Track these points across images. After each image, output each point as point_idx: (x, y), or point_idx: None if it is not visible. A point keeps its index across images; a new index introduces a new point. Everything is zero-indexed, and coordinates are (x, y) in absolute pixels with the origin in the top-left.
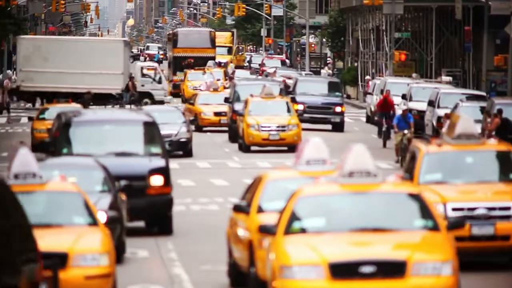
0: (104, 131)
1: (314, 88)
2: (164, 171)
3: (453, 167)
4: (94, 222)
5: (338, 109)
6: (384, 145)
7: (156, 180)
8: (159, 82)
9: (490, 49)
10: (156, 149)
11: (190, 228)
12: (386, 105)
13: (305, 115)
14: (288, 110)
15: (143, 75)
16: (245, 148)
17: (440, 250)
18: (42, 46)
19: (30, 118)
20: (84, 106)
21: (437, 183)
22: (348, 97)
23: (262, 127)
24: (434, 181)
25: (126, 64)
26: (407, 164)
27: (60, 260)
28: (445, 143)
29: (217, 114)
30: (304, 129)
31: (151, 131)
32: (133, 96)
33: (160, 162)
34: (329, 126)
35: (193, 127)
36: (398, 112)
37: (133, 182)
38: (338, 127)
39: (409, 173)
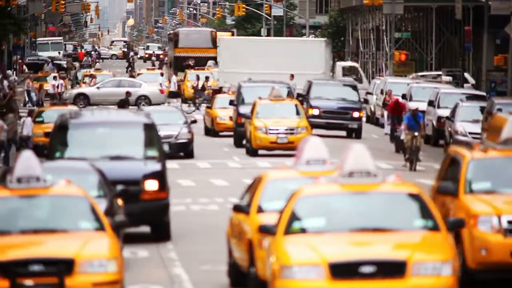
0: (100, 133)
1: (329, 92)
2: (159, 176)
3: (503, 175)
4: (101, 227)
5: (355, 114)
6: (397, 151)
7: (151, 185)
8: (360, 81)
9: (490, 49)
10: (152, 152)
11: (190, 228)
12: (398, 108)
13: (321, 120)
14: (298, 113)
15: (344, 75)
16: (252, 152)
17: (440, 250)
18: (242, 47)
19: None
20: (123, 107)
21: (487, 193)
22: (366, 101)
23: (270, 129)
24: (483, 190)
25: (327, 64)
26: (443, 171)
27: (66, 266)
28: (491, 148)
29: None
30: (318, 135)
31: (148, 133)
32: (207, 95)
33: (155, 166)
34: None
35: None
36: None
37: (127, 187)
38: (356, 134)
39: (451, 181)
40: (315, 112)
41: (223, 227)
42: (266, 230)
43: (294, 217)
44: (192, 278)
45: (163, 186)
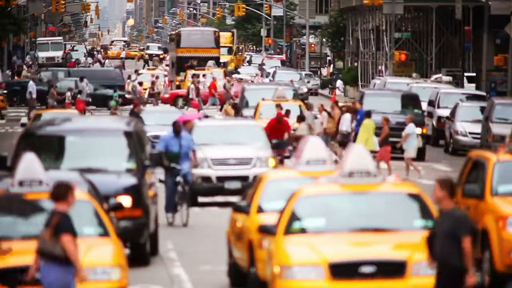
0: (70, 143)
1: (385, 104)
2: (133, 191)
3: None
4: (105, 233)
5: (417, 130)
6: None
7: (123, 201)
8: None
9: (490, 49)
10: (130, 164)
11: (190, 228)
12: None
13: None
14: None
15: None
16: None
17: None
18: None
19: (23, 125)
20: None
21: None
22: (430, 114)
23: None
24: (509, 193)
25: None
26: (464, 175)
27: None
28: None
29: None
30: None
31: (128, 142)
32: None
33: (130, 180)
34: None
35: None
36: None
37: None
38: (418, 154)
39: (475, 184)
40: None
41: (223, 227)
42: (266, 230)
43: (294, 217)
44: (192, 278)
45: (138, 202)
